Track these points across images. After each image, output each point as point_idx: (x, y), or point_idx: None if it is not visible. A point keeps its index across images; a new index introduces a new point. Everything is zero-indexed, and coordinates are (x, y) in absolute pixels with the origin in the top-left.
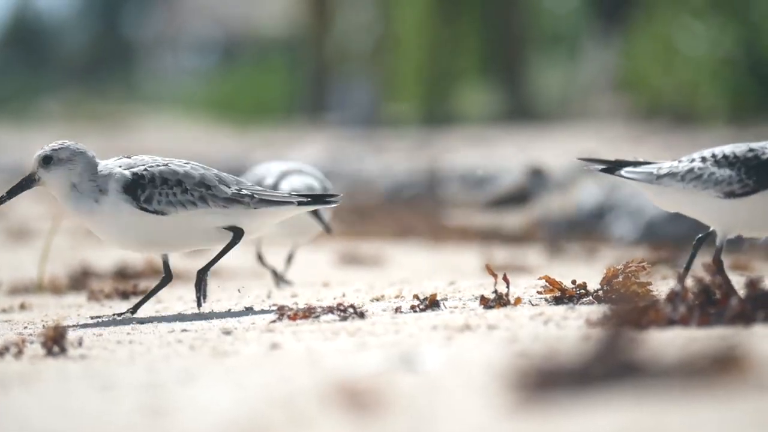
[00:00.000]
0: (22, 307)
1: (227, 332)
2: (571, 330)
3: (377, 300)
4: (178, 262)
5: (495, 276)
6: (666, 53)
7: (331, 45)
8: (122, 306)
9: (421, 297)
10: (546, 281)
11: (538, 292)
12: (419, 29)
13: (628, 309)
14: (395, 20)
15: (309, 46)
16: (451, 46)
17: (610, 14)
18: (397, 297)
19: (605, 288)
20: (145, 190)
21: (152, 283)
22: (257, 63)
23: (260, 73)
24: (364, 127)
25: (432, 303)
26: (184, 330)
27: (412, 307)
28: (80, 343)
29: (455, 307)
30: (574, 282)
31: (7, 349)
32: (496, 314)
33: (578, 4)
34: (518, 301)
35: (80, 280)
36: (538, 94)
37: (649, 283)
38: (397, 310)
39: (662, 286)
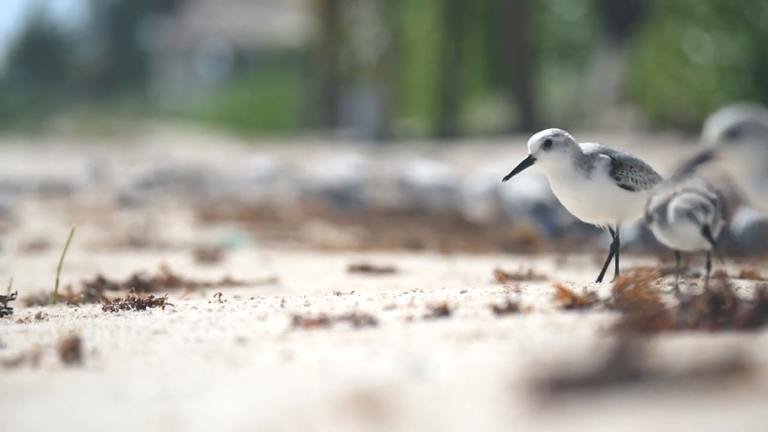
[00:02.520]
0: (39, 317)
1: (241, 342)
2: (582, 338)
3: (389, 309)
4: (187, 271)
5: (506, 284)
6: (674, 63)
7: (341, 59)
8: (138, 316)
9: (433, 306)
10: (557, 289)
11: (549, 300)
12: (428, 43)
13: (638, 317)
14: (404, 35)
15: (320, 60)
16: (460, 60)
17: (619, 26)
18: (409, 306)
19: (616, 296)
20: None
21: (167, 293)
22: (269, 75)
23: (271, 86)
24: (375, 141)
25: (443, 311)
26: (199, 340)
27: (424, 316)
28: (96, 354)
29: (467, 316)
30: (584, 290)
31: (23, 359)
32: (508, 322)
33: (587, 16)
34: (529, 309)
35: (96, 291)
36: (547, 107)
37: (659, 291)
38: (409, 318)
39: (671, 293)
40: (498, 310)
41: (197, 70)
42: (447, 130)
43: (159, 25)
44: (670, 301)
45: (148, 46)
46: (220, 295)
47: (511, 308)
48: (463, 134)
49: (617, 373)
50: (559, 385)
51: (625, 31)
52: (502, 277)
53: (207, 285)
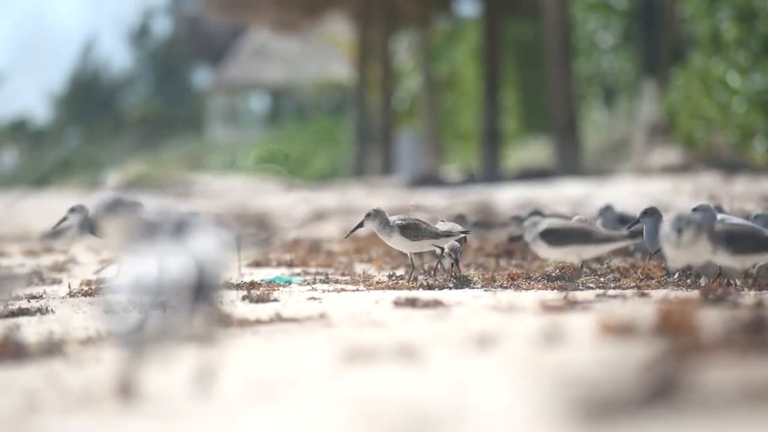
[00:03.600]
0: (95, 357)
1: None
2: (628, 365)
3: (436, 337)
4: (237, 308)
5: (549, 313)
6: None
7: (378, 107)
8: (191, 354)
9: (481, 335)
10: (601, 317)
11: (592, 329)
12: (469, 90)
13: (685, 341)
14: (444, 80)
15: (360, 109)
16: (500, 105)
17: (656, 70)
18: (456, 335)
19: (661, 322)
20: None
21: (220, 333)
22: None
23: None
24: (419, 186)
25: (490, 341)
26: (247, 378)
27: (470, 346)
28: (148, 391)
29: (513, 345)
30: (627, 317)
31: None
32: (551, 350)
33: (630, 57)
34: (573, 337)
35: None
36: (588, 150)
37: (703, 314)
38: (456, 346)
39: (715, 316)
40: (543, 340)
41: (242, 118)
42: (489, 175)
43: (201, 72)
44: (712, 328)
45: (193, 92)
46: (272, 331)
47: (556, 337)
48: (505, 179)
49: (663, 398)
50: (607, 411)
51: (664, 74)
52: (547, 308)
53: (258, 322)
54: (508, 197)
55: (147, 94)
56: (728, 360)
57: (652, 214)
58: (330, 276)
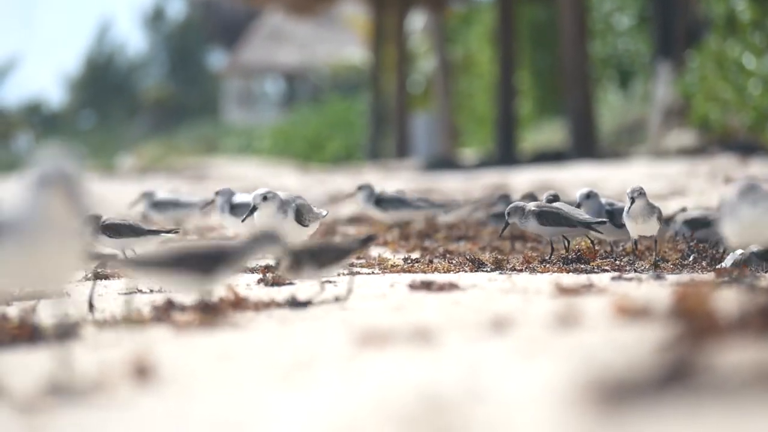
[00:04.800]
0: (110, 340)
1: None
2: (644, 349)
3: (451, 321)
4: (253, 291)
5: (565, 297)
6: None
7: (392, 90)
8: (207, 337)
9: (495, 319)
10: (616, 300)
11: (608, 312)
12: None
13: (700, 324)
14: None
15: (375, 92)
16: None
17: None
18: (471, 318)
19: (676, 305)
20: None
21: (235, 316)
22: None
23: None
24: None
25: (505, 324)
26: (262, 361)
27: (485, 328)
28: (164, 373)
29: (528, 328)
30: (643, 300)
31: (95, 382)
32: (568, 334)
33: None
34: (589, 320)
35: (163, 313)
36: (604, 132)
37: (719, 297)
38: (471, 329)
39: (731, 300)
40: (558, 322)
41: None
42: (505, 158)
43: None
44: (728, 311)
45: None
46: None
47: (571, 320)
48: (520, 161)
49: (679, 381)
50: (622, 394)
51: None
52: (562, 291)
53: (273, 305)
54: (523, 180)
55: (162, 77)
56: (744, 343)
57: (594, 196)
58: None
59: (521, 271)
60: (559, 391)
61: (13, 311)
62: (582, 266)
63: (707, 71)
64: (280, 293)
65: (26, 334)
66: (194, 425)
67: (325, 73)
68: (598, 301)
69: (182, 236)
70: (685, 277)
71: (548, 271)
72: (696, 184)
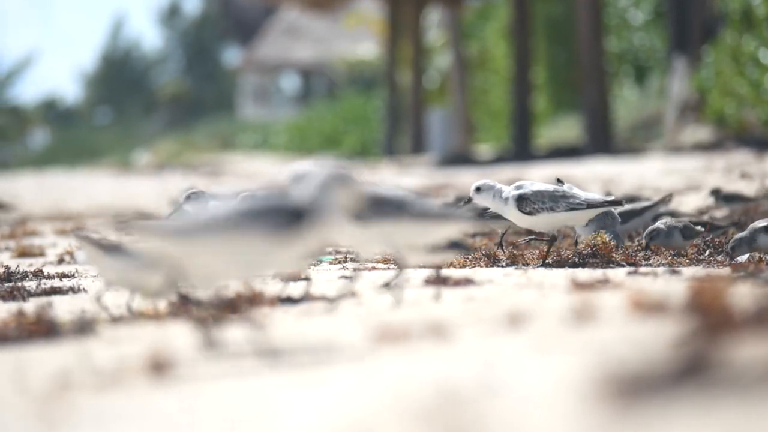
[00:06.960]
0: (127, 335)
1: (324, 351)
2: (659, 343)
3: (467, 316)
4: (269, 286)
5: (580, 292)
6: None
7: (413, 86)
8: (224, 331)
9: (511, 314)
10: (632, 295)
11: (623, 307)
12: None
13: (716, 319)
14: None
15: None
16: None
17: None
18: (487, 313)
19: (692, 300)
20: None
21: (252, 312)
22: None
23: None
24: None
25: (521, 319)
26: (276, 356)
27: (501, 323)
28: (180, 368)
29: (543, 323)
30: (658, 294)
31: (111, 378)
32: (583, 328)
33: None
34: (604, 315)
35: (180, 309)
36: (619, 128)
37: (735, 292)
38: (487, 324)
39: (747, 294)
40: (574, 317)
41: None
42: (520, 154)
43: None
44: (744, 306)
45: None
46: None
47: (587, 315)
48: (535, 157)
49: (695, 376)
50: (638, 389)
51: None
52: (577, 286)
53: (289, 300)
54: (539, 175)
55: (178, 73)
56: (760, 338)
57: (489, 188)
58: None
59: (537, 266)
60: (575, 385)
61: (29, 307)
62: (598, 261)
63: (723, 66)
64: (296, 288)
65: (43, 329)
66: (208, 420)
67: (341, 69)
68: (614, 296)
69: None
70: (701, 271)
71: (564, 266)
72: (712, 179)
